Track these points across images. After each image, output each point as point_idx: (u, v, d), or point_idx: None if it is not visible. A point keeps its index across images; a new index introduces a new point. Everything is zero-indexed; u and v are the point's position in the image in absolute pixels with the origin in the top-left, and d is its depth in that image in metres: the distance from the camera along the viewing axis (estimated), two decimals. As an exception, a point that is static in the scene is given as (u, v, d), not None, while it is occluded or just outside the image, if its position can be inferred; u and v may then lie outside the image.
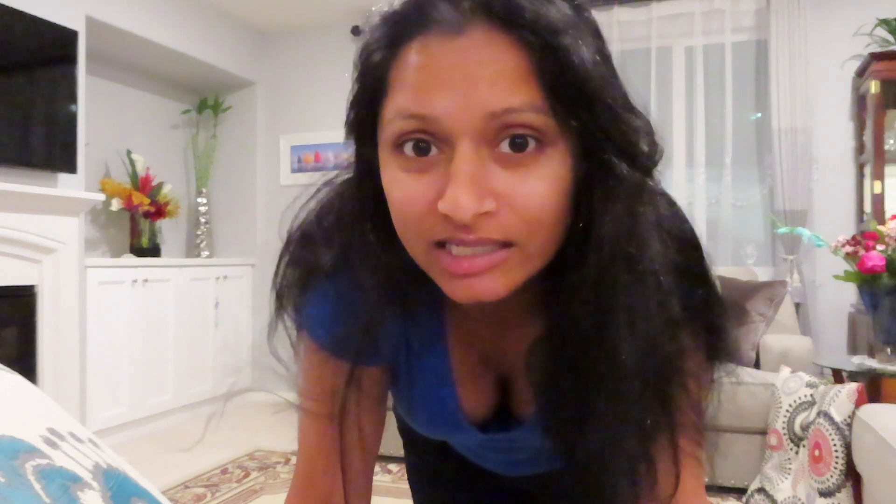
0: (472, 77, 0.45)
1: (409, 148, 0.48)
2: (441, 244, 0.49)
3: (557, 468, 0.57)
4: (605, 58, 0.49)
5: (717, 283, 0.57)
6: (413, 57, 0.47)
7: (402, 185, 0.49)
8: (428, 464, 0.93)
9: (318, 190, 0.62)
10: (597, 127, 0.47)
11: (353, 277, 0.57)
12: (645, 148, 0.50)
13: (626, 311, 0.49)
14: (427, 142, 0.47)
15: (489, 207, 0.46)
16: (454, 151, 0.46)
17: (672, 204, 0.58)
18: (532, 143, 0.46)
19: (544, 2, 0.46)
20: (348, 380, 0.61)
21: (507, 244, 0.48)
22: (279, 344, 0.63)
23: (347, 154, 0.59)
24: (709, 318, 0.57)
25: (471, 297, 0.49)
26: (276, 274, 0.62)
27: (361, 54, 0.52)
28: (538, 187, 0.46)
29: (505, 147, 0.46)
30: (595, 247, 0.49)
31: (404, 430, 0.94)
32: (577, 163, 0.48)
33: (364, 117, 0.53)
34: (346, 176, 0.60)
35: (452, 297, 0.50)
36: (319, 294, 0.61)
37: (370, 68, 0.51)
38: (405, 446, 0.96)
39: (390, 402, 0.75)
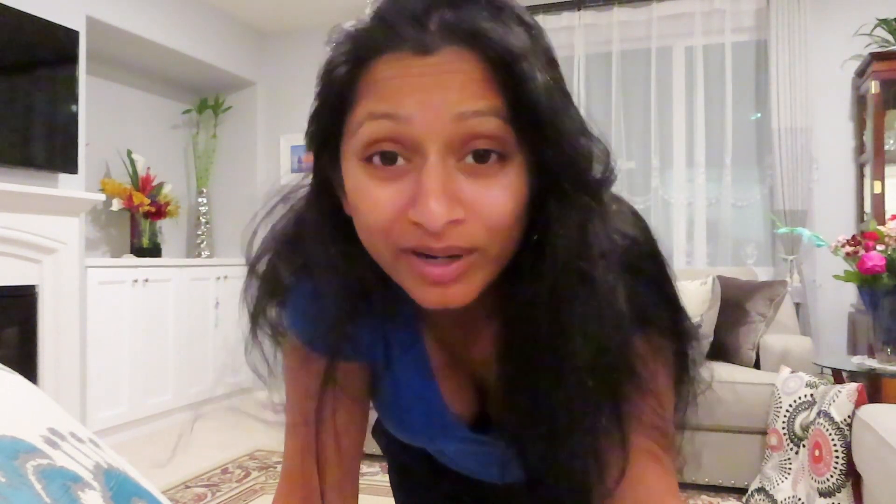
0: (441, 83, 0.47)
1: (377, 159, 0.49)
2: (408, 250, 0.50)
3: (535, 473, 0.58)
4: (559, 85, 0.51)
5: (676, 288, 0.60)
6: (383, 69, 0.49)
7: (370, 193, 0.50)
8: (416, 484, 0.93)
9: (274, 207, 0.63)
10: (547, 149, 0.49)
11: (317, 287, 0.59)
12: (598, 174, 0.53)
13: (579, 318, 0.51)
14: (394, 153, 0.49)
15: (458, 215, 0.48)
16: (424, 161, 0.48)
17: (633, 213, 0.60)
18: (494, 157, 0.49)
19: (505, 28, 0.48)
20: (325, 377, 0.61)
21: (469, 250, 0.49)
22: (264, 345, 0.64)
23: (303, 173, 0.60)
24: (668, 322, 0.58)
25: (441, 302, 0.51)
26: (245, 292, 0.63)
27: (326, 68, 0.53)
28: (501, 196, 0.49)
29: (469, 160, 0.48)
30: (549, 260, 0.51)
31: (389, 453, 0.94)
32: (532, 179, 0.50)
33: (327, 129, 0.54)
34: (302, 192, 0.61)
35: (421, 304, 0.52)
36: (299, 290, 0.62)
37: (335, 81, 0.52)
38: (390, 472, 0.97)
39: (373, 417, 0.75)
